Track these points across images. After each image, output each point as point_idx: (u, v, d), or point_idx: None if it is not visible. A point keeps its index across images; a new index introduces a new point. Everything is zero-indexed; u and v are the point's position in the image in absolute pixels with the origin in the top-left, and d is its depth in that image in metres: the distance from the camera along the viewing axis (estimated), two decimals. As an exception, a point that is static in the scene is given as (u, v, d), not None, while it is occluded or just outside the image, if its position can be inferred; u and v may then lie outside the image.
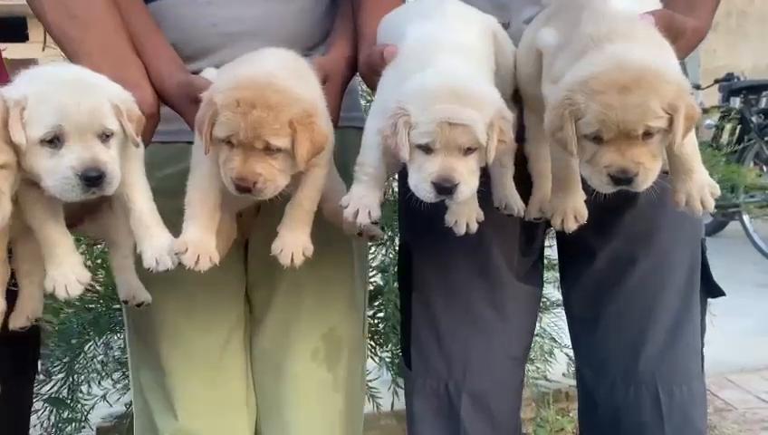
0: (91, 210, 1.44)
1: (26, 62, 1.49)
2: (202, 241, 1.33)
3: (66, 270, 1.29)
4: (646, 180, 1.18)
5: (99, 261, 2.60)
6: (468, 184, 1.25)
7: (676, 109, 1.14)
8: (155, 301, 1.59)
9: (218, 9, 1.60)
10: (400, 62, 1.34)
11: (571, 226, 1.38)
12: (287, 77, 1.31)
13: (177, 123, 1.48)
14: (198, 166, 1.37)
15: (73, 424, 2.75)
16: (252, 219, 1.65)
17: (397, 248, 3.03)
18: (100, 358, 2.92)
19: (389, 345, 3.05)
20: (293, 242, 1.39)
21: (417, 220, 1.63)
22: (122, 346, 2.91)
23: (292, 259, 1.39)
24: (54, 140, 1.18)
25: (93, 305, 2.70)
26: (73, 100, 1.18)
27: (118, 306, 2.69)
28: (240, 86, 1.26)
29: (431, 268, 1.65)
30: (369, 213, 1.34)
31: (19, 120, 1.16)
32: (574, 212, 1.37)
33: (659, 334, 1.57)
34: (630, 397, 1.58)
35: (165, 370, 1.67)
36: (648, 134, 1.16)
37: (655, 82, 1.12)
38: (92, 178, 1.19)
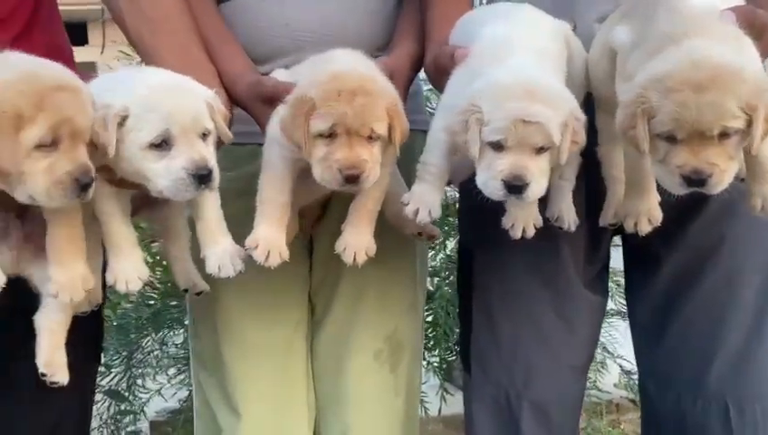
0: (149, 201, 1.45)
1: (86, 65, 1.53)
2: (273, 238, 1.36)
3: (128, 266, 1.33)
4: (720, 182, 1.13)
5: (157, 258, 2.65)
6: (539, 184, 1.23)
7: (754, 109, 1.10)
8: (219, 302, 1.65)
9: (290, 10, 1.61)
10: (471, 61, 1.33)
11: (645, 228, 1.35)
12: (370, 70, 1.34)
13: (248, 125, 1.51)
14: (269, 165, 1.39)
15: (129, 416, 2.80)
16: (314, 218, 1.66)
17: (448, 252, 3.02)
18: (155, 353, 2.98)
19: (438, 350, 3.04)
20: (357, 241, 1.40)
21: (479, 223, 1.61)
22: (177, 343, 2.96)
23: (354, 258, 1.40)
24: (162, 144, 1.22)
25: (152, 302, 2.75)
26: (177, 104, 1.24)
27: (174, 303, 2.74)
28: (336, 78, 1.27)
29: (493, 273, 1.63)
30: (430, 212, 1.34)
31: (115, 129, 1.20)
32: (648, 214, 1.34)
33: (730, 349, 1.51)
34: (697, 412, 1.53)
35: (228, 370, 1.69)
36: (724, 135, 1.11)
37: (731, 81, 1.08)
38: (203, 176, 1.23)
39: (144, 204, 1.46)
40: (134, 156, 1.23)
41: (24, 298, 1.32)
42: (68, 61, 1.58)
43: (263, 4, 1.63)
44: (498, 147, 1.22)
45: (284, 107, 1.33)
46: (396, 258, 1.70)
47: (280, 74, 1.49)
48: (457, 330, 2.93)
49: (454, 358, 3.30)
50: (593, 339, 1.68)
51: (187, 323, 2.83)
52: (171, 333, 2.83)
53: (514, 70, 1.23)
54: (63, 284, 1.26)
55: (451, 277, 2.97)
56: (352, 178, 1.27)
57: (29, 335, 1.36)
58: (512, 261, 1.59)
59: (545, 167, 1.24)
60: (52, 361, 1.36)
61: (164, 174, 1.23)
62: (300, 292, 1.74)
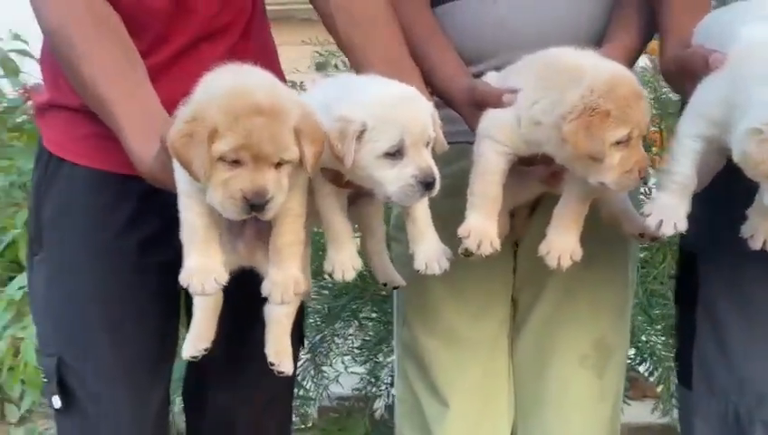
0: (354, 198, 1.49)
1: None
2: (484, 227, 1.38)
3: (345, 256, 1.39)
4: None
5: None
6: None
7: None
8: (429, 294, 1.68)
9: (506, 10, 1.59)
10: (737, 67, 1.23)
11: None
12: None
13: (457, 124, 1.51)
14: (481, 159, 1.40)
15: (309, 402, 2.90)
16: (525, 219, 1.64)
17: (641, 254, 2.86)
18: (327, 343, 3.04)
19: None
20: (561, 245, 1.40)
21: (709, 227, 1.50)
22: (348, 334, 3.01)
23: (558, 262, 1.39)
24: (396, 153, 1.28)
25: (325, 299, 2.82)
26: (411, 116, 1.28)
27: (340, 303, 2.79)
28: (617, 84, 1.27)
29: (723, 280, 1.51)
30: (675, 225, 1.29)
31: (353, 143, 1.26)
32: None
33: None
34: None
35: (435, 361, 1.71)
36: None
37: None
38: (429, 183, 1.27)
39: (349, 202, 1.50)
40: (369, 164, 1.28)
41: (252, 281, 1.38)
42: (274, 62, 1.67)
43: (478, 4, 1.61)
44: None
45: (502, 111, 1.36)
46: (608, 260, 1.64)
47: (491, 78, 1.49)
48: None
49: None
50: None
51: (362, 315, 2.92)
52: (353, 324, 2.90)
53: None
54: (276, 283, 1.31)
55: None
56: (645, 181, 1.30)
57: (256, 319, 1.43)
58: (748, 270, 1.46)
59: None
60: (279, 350, 1.43)
61: (394, 181, 1.28)
62: (505, 290, 1.73)
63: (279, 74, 1.59)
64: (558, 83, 1.31)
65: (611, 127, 1.25)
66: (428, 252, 1.39)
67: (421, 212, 1.39)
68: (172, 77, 1.46)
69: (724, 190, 1.37)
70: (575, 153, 1.28)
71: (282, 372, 1.42)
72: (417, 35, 1.58)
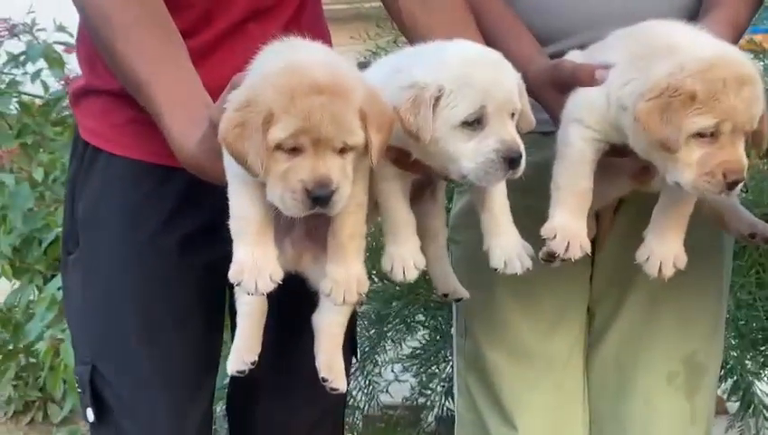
0: (414, 194, 1.35)
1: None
2: (573, 226, 1.22)
3: (406, 252, 1.24)
4: None
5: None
6: None
7: None
8: (495, 304, 1.54)
9: None
10: None
11: None
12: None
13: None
14: (567, 147, 1.25)
15: (355, 411, 2.78)
16: (609, 222, 1.48)
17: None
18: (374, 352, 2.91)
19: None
20: (663, 250, 1.24)
21: None
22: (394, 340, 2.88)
23: (660, 270, 1.23)
24: (475, 123, 1.13)
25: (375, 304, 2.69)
26: (494, 79, 1.14)
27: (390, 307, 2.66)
28: (718, 65, 1.10)
29: None
30: None
31: (430, 113, 1.11)
32: None
33: None
34: None
35: (502, 378, 1.57)
36: None
37: None
38: (514, 159, 1.11)
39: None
40: (444, 135, 1.13)
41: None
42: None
43: None
44: None
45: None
46: (700, 266, 1.44)
47: (575, 56, 1.33)
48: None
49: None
50: None
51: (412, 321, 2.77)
52: (402, 331, 2.76)
53: None
54: (339, 282, 1.16)
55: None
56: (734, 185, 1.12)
57: (304, 325, 1.31)
58: None
59: None
60: (331, 365, 1.30)
61: (472, 155, 1.13)
62: (581, 300, 1.57)
63: None
64: (652, 62, 1.14)
65: (694, 113, 1.08)
66: (507, 247, 1.23)
67: (499, 199, 1.24)
68: (216, 60, 1.35)
69: None
70: (647, 140, 1.11)
71: (335, 390, 1.29)
72: (486, 16, 1.46)
